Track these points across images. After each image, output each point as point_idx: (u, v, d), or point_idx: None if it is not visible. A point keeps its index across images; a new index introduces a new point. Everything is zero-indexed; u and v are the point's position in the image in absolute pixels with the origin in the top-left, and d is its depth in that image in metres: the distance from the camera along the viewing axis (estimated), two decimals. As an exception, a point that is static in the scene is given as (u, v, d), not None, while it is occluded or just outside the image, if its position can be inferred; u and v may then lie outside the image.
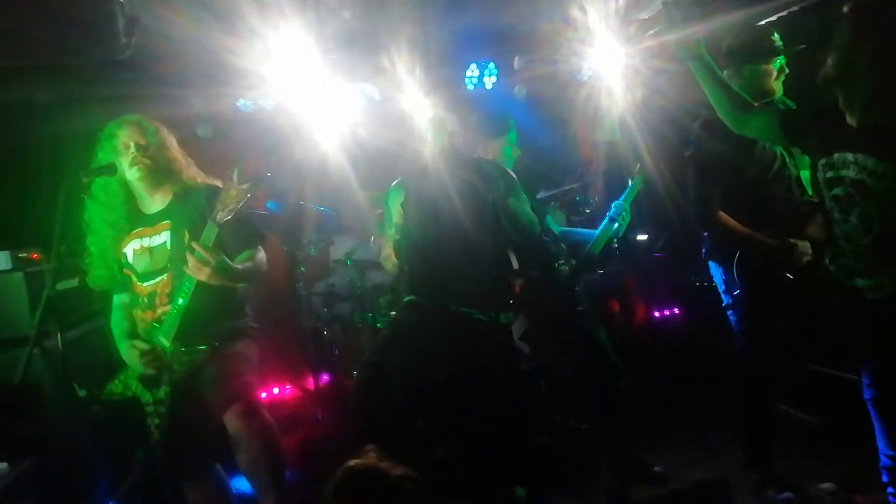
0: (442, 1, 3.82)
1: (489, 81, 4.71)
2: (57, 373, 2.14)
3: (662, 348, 4.74)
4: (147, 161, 2.53)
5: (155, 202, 2.62)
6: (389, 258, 2.95)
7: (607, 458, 3.20)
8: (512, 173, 2.82)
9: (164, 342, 2.48)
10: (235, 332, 2.63)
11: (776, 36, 2.73)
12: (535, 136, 4.76)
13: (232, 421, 2.38)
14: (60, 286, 2.99)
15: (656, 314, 5.11)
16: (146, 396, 2.53)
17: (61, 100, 3.28)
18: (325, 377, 4.47)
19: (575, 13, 4.04)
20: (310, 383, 4.45)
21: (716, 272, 2.94)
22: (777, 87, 2.73)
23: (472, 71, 4.68)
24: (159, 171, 2.57)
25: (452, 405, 2.55)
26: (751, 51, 2.72)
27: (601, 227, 3.32)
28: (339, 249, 4.61)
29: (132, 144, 2.52)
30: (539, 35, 4.52)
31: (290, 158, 4.37)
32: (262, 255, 2.62)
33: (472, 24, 4.29)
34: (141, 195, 2.61)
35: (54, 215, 2.11)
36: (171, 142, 2.65)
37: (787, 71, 2.73)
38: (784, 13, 3.73)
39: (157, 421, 2.51)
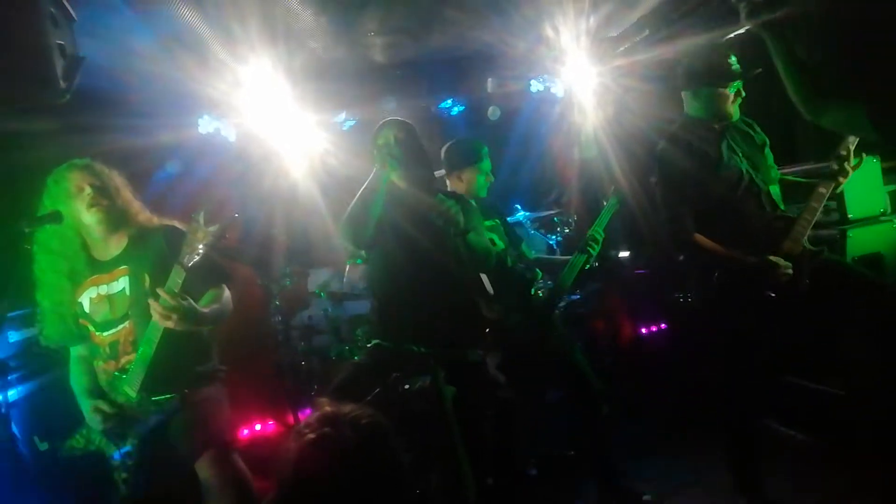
0: (408, 27, 3.79)
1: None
2: (3, 433, 2.03)
3: (651, 365, 4.66)
4: (105, 202, 2.44)
5: (110, 247, 2.52)
6: None
7: (594, 486, 3.13)
8: (471, 202, 2.76)
9: (130, 392, 2.37)
10: (204, 377, 2.53)
11: (733, 59, 2.72)
12: (510, 156, 4.74)
13: (204, 469, 2.28)
14: (21, 335, 2.91)
15: (643, 331, 5.04)
16: (111, 450, 2.41)
17: (13, 134, 3.14)
18: (307, 412, 4.37)
19: (547, 31, 4.04)
20: (290, 419, 4.35)
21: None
22: (734, 110, 2.74)
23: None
24: (116, 213, 2.48)
25: (426, 443, 2.45)
26: (708, 74, 2.72)
27: (572, 257, 3.28)
28: (315, 281, 4.54)
29: (87, 187, 2.43)
30: (512, 56, 4.52)
31: (259, 189, 4.31)
32: (227, 294, 2.55)
33: (442, 49, 4.27)
34: (95, 240, 2.51)
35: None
36: (124, 184, 2.56)
37: (743, 94, 2.72)
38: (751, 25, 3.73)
39: (124, 475, 2.38)
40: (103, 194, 2.45)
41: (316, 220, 4.10)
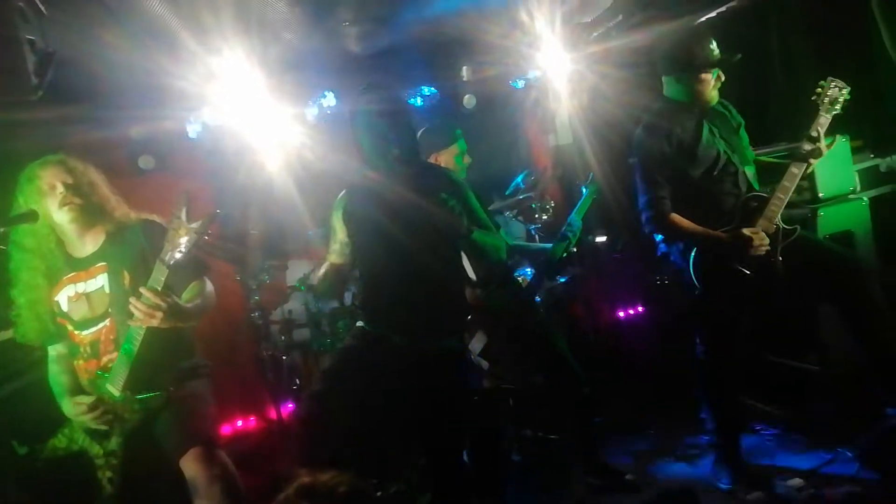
0: (383, 15, 3.76)
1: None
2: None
3: (629, 348, 4.73)
4: (78, 200, 2.37)
5: (86, 244, 2.46)
6: (324, 278, 2.69)
7: (578, 468, 3.17)
8: (465, 183, 2.67)
9: (114, 391, 2.32)
10: (188, 373, 2.50)
11: (714, 44, 2.76)
12: (487, 143, 4.74)
13: (190, 465, 2.25)
14: (-6, 339, 2.84)
15: (621, 314, 5.11)
16: (95, 449, 2.38)
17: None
18: (289, 407, 4.35)
19: (522, 17, 4.04)
20: (272, 414, 4.33)
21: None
22: (714, 95, 2.79)
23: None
24: (91, 210, 2.41)
25: (409, 432, 2.45)
26: (689, 60, 2.75)
27: (555, 242, 3.31)
28: (294, 275, 4.50)
29: (59, 185, 2.35)
30: (486, 42, 4.51)
31: (234, 183, 4.26)
32: (209, 287, 2.51)
33: (417, 37, 4.24)
34: (71, 238, 2.44)
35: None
36: (100, 180, 2.49)
37: (723, 79, 2.77)
38: (723, 8, 3.79)
39: (108, 474, 2.35)
40: (76, 192, 2.37)
41: (292, 213, 4.06)
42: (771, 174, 2.84)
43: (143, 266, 2.31)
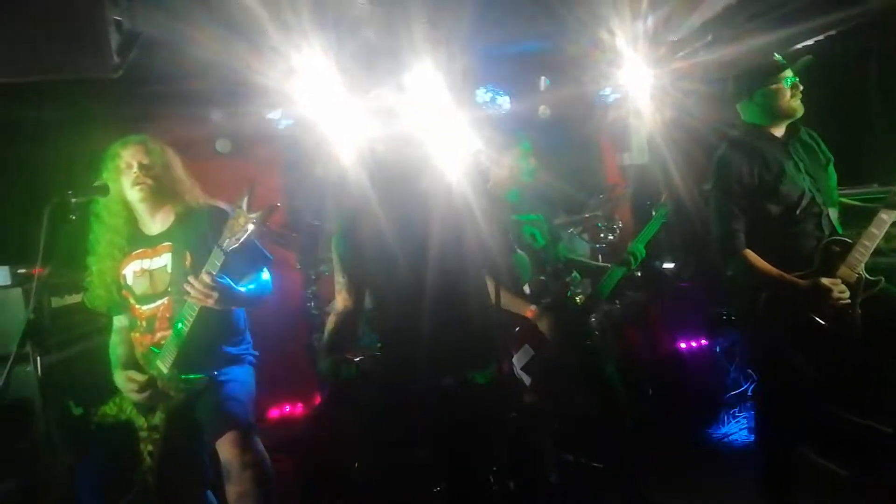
0: (465, 20, 3.75)
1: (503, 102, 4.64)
2: (41, 395, 2.09)
3: (687, 381, 4.53)
4: (149, 181, 2.49)
5: (156, 223, 2.58)
6: (335, 331, 2.35)
7: (617, 499, 3.05)
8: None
9: (162, 368, 2.43)
10: (235, 360, 2.58)
11: (777, 56, 2.63)
12: (560, 157, 4.65)
13: (225, 449, 2.31)
14: (64, 301, 3.01)
15: (682, 345, 4.89)
16: (140, 421, 2.48)
17: (73, 116, 3.26)
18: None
19: (603, 35, 3.94)
20: (318, 402, 4.39)
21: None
22: (796, 105, 2.61)
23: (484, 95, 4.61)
24: (162, 191, 2.53)
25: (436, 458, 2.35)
26: (755, 74, 2.63)
27: (610, 268, 3.18)
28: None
29: (135, 164, 2.48)
30: (566, 56, 4.43)
31: (310, 176, 4.34)
32: (266, 276, 2.58)
33: (496, 45, 4.21)
34: (142, 216, 2.57)
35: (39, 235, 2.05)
36: (176, 162, 2.60)
37: (801, 87, 2.60)
38: (821, 37, 3.59)
39: (150, 447, 2.44)
40: (148, 173, 2.49)
41: (364, 206, 4.08)
42: (856, 218, 2.64)
43: (206, 250, 2.38)
